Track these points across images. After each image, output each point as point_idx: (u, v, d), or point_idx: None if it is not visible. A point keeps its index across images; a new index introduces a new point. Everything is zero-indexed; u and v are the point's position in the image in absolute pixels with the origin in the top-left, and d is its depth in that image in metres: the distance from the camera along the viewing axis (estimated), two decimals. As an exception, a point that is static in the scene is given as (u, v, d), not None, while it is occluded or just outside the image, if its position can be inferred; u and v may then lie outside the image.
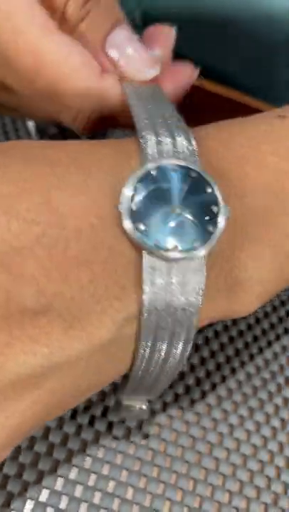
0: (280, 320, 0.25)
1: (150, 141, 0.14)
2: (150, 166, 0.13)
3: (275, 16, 0.27)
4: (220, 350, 0.23)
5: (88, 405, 0.20)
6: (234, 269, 0.15)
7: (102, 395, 0.21)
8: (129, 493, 0.19)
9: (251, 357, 0.23)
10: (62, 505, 0.18)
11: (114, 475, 0.19)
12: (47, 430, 0.19)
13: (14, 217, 0.12)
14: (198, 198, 0.13)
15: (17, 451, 0.19)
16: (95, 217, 0.13)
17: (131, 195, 0.13)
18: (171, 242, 0.13)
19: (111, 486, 0.19)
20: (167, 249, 0.13)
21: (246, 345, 0.23)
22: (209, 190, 0.14)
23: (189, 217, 0.13)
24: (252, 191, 0.15)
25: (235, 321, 0.24)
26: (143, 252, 0.13)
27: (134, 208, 0.13)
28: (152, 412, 0.21)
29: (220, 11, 0.28)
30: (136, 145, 0.14)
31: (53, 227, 0.12)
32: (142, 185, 0.13)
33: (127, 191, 0.13)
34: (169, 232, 0.13)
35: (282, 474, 0.20)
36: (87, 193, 0.13)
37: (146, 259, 0.13)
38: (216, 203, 0.13)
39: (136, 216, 0.13)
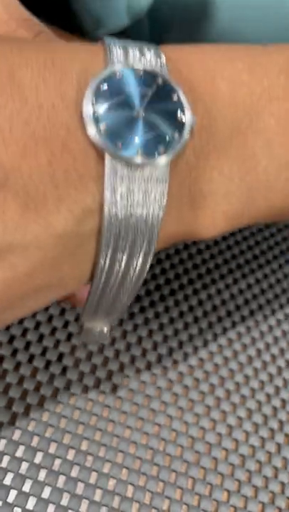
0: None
1: (116, 49, 0.14)
2: (116, 67, 0.13)
3: None
4: (218, 353, 0.23)
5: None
6: (199, 180, 0.14)
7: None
8: (130, 491, 0.19)
9: (250, 359, 0.24)
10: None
11: (115, 474, 0.19)
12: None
13: None
14: (164, 104, 0.13)
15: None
16: (57, 97, 0.13)
17: (94, 92, 0.13)
18: (133, 147, 0.12)
19: (111, 484, 0.19)
20: (130, 155, 0.12)
21: (258, 352, 0.24)
22: (175, 98, 0.13)
23: (154, 123, 0.13)
24: (221, 105, 0.15)
25: (243, 319, 0.24)
26: (106, 154, 0.12)
27: (97, 110, 0.13)
28: (152, 411, 0.21)
29: None
30: (104, 50, 0.14)
31: (16, 100, 0.12)
32: (107, 87, 0.13)
33: (91, 88, 0.13)
34: (132, 138, 0.13)
35: (280, 474, 0.21)
36: (52, 74, 0.13)
37: (109, 163, 0.12)
38: (182, 111, 0.13)
39: (98, 117, 0.12)
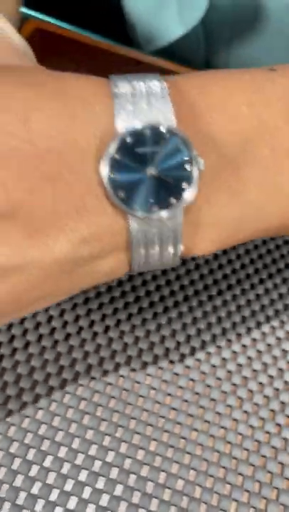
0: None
1: (122, 83, 0.15)
2: (127, 128, 0.14)
3: None
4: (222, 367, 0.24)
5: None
6: (190, 212, 0.15)
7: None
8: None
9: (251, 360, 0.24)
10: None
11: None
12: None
13: None
14: (172, 157, 0.14)
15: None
16: (65, 145, 0.14)
17: (108, 157, 0.14)
18: (145, 203, 0.14)
19: (118, 489, 0.20)
20: (142, 211, 0.14)
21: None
22: (182, 147, 0.14)
23: (164, 178, 0.14)
24: (218, 139, 0.15)
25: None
26: (129, 214, 0.14)
27: (108, 169, 0.14)
28: (161, 417, 0.21)
29: None
30: (109, 90, 0.15)
31: (27, 142, 0.13)
32: (119, 151, 0.14)
33: (106, 156, 0.14)
34: (143, 193, 0.14)
35: (286, 470, 0.21)
36: (63, 119, 0.14)
37: (135, 224, 0.14)
38: (190, 162, 0.14)
39: (111, 176, 0.14)
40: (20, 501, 0.19)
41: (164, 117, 0.14)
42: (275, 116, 0.16)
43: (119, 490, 0.20)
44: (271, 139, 0.16)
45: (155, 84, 0.15)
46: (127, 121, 0.14)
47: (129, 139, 0.14)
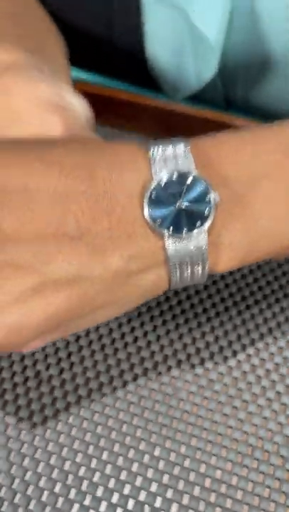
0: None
1: (156, 147, 0.20)
2: (160, 176, 0.19)
3: None
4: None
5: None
6: (212, 235, 0.20)
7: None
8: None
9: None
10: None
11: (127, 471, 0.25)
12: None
13: (72, 176, 0.19)
14: (196, 193, 0.19)
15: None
16: (117, 188, 0.19)
17: (148, 197, 0.19)
18: (181, 227, 0.19)
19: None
20: (177, 234, 0.19)
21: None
22: (203, 186, 0.19)
23: (191, 207, 0.19)
24: (229, 182, 0.20)
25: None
26: (165, 237, 0.19)
27: (152, 208, 0.19)
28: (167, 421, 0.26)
29: None
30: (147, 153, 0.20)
31: (92, 187, 0.19)
32: (155, 190, 0.19)
33: (146, 196, 0.19)
34: (176, 220, 0.19)
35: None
36: (116, 172, 0.19)
37: (170, 244, 0.19)
38: (209, 194, 0.19)
39: (152, 205, 0.19)
40: None
41: (188, 167, 0.20)
42: (272, 163, 0.21)
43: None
44: (272, 177, 0.21)
45: (179, 148, 0.20)
46: (160, 172, 0.19)
47: (162, 183, 0.19)
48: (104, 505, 0.24)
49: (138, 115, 0.38)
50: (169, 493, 0.24)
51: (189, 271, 0.20)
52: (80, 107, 0.27)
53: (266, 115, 0.40)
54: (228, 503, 0.24)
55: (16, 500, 0.24)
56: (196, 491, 0.24)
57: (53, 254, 0.18)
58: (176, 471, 0.25)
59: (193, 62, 0.37)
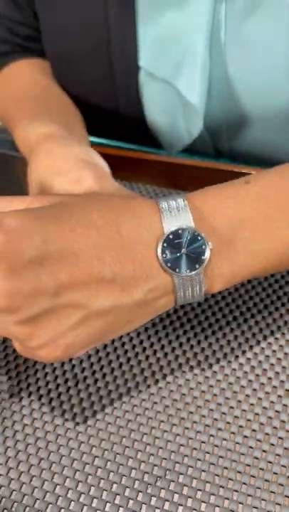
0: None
1: (163, 202, 0.26)
2: (170, 229, 0.26)
3: None
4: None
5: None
6: (206, 270, 0.26)
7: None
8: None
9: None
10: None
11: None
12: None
13: (104, 235, 0.25)
14: (195, 242, 0.26)
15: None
16: (137, 237, 0.25)
17: (161, 248, 0.25)
18: (184, 268, 0.26)
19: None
20: (182, 273, 0.26)
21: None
22: (200, 237, 0.26)
23: (192, 253, 0.25)
24: (219, 232, 0.26)
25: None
26: (173, 275, 0.26)
27: (163, 254, 0.25)
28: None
29: None
30: (157, 207, 0.27)
31: (119, 242, 0.25)
32: (166, 243, 0.25)
33: (160, 247, 0.25)
34: (182, 263, 0.26)
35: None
36: (135, 224, 0.25)
37: (177, 282, 0.26)
38: (205, 244, 0.26)
39: (164, 255, 0.25)
40: None
41: (188, 222, 0.26)
42: (251, 212, 0.27)
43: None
44: (248, 224, 0.27)
45: (179, 202, 0.26)
46: (168, 226, 0.26)
47: (171, 236, 0.26)
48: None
49: (144, 169, 0.46)
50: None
51: (190, 294, 0.27)
52: (103, 163, 0.35)
53: (251, 160, 0.48)
54: None
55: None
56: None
57: (95, 294, 0.24)
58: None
59: (183, 122, 0.45)
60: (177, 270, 0.25)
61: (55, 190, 0.33)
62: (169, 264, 0.25)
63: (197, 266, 0.25)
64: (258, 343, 0.34)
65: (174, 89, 0.42)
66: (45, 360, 0.25)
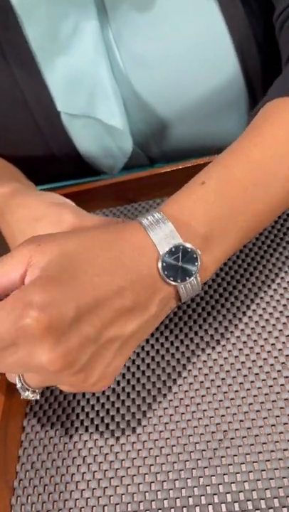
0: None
1: (145, 219, 0.31)
2: (165, 249, 0.29)
3: None
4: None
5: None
6: (200, 265, 0.31)
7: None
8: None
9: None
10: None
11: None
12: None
13: (118, 278, 0.28)
14: (187, 254, 0.30)
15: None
16: (143, 266, 0.29)
17: (161, 267, 0.30)
18: (181, 278, 0.30)
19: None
20: (181, 282, 0.30)
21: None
22: (189, 249, 0.30)
23: (187, 265, 0.30)
24: (199, 234, 0.31)
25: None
26: (176, 285, 0.30)
27: (164, 272, 0.30)
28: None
29: None
30: (141, 226, 0.30)
31: (128, 276, 0.29)
32: (162, 262, 0.30)
33: (160, 264, 0.29)
34: (181, 274, 0.30)
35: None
36: (138, 258, 0.29)
37: (181, 289, 0.31)
38: (196, 255, 0.30)
39: (164, 270, 0.30)
40: None
41: (177, 240, 0.30)
42: (216, 208, 0.32)
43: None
44: (219, 223, 0.31)
45: (156, 216, 0.30)
46: (162, 247, 0.30)
47: (166, 256, 0.30)
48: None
49: (95, 196, 0.50)
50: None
51: (191, 290, 0.31)
52: (70, 201, 0.39)
53: (181, 156, 0.53)
54: None
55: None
56: None
57: (124, 324, 0.29)
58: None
59: (114, 144, 0.50)
60: (179, 280, 0.30)
61: (40, 234, 0.36)
62: (171, 278, 0.30)
63: (193, 272, 0.30)
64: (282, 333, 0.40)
65: (96, 119, 0.47)
66: (97, 390, 0.30)
